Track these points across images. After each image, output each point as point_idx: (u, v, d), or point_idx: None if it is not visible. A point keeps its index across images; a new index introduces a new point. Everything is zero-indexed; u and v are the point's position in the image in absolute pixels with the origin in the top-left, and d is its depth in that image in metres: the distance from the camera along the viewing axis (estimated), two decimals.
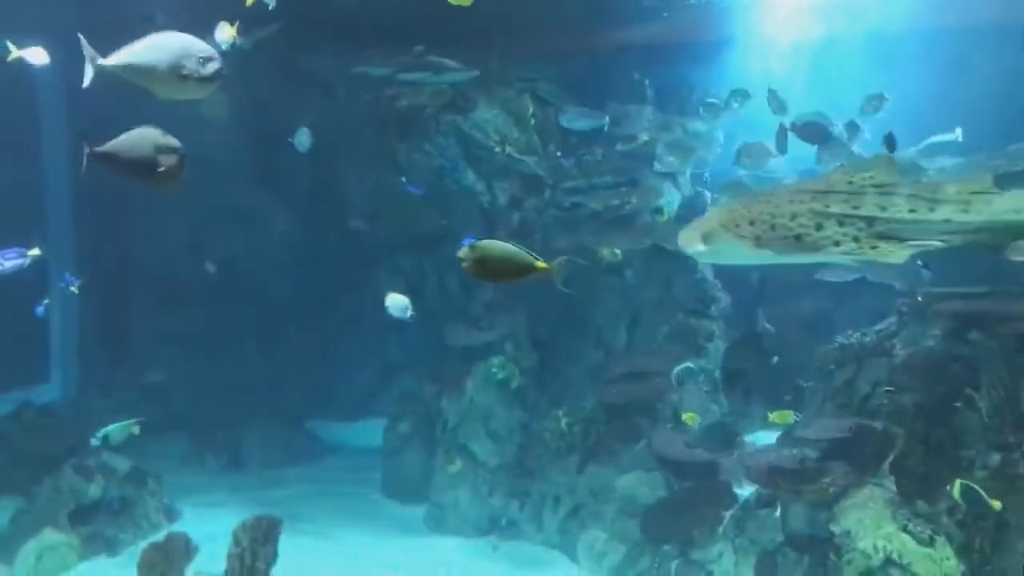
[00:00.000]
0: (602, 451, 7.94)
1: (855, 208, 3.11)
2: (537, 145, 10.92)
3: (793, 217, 3.43)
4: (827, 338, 8.79)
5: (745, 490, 7.32)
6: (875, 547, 5.37)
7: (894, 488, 5.93)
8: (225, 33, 6.44)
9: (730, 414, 8.89)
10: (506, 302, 9.95)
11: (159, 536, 7.89)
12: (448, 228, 11.00)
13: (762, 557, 6.22)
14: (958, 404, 6.25)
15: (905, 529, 5.36)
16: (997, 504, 5.13)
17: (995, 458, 5.61)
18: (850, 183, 3.39)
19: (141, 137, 3.70)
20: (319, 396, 12.09)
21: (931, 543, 5.28)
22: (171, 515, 8.28)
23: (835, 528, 5.64)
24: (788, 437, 7.61)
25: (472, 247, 3.84)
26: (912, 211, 3.29)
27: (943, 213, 3.23)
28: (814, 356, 8.43)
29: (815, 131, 9.20)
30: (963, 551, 5.22)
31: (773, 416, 6.62)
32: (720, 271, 9.92)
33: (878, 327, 7.85)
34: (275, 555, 5.38)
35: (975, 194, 3.23)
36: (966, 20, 9.48)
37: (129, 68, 3.84)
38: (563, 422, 8.27)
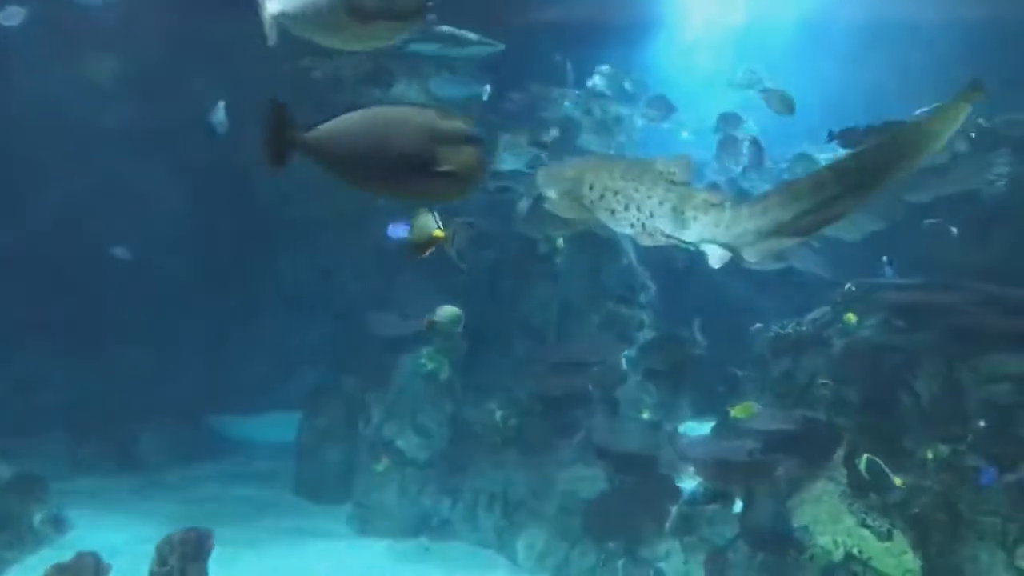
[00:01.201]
0: (539, 445, 7.65)
1: (649, 198, 3.41)
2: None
3: (615, 193, 3.54)
4: (754, 327, 8.86)
5: (686, 483, 7.21)
6: (835, 542, 5.33)
7: (844, 481, 5.92)
8: None
9: (659, 405, 8.80)
10: (427, 288, 9.48)
11: (48, 551, 7.05)
12: (367, 210, 10.40)
13: (713, 554, 6.10)
14: (899, 395, 6.32)
15: (863, 524, 5.34)
16: (899, 480, 5.23)
17: (942, 449, 5.67)
18: (660, 173, 3.38)
19: (402, 120, 2.35)
20: (213, 388, 11.22)
21: (889, 537, 5.28)
22: (60, 526, 7.38)
23: (792, 523, 5.56)
24: (725, 428, 7.55)
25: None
26: (674, 210, 3.33)
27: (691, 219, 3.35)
28: (746, 345, 8.45)
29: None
30: (919, 544, 5.24)
31: (735, 410, 6.50)
32: (644, 257, 9.82)
33: (812, 316, 7.90)
34: (206, 573, 4.77)
35: (712, 206, 3.29)
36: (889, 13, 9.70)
37: (302, 15, 2.88)
38: (498, 415, 7.92)
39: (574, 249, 9.41)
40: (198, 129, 10.30)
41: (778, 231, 3.23)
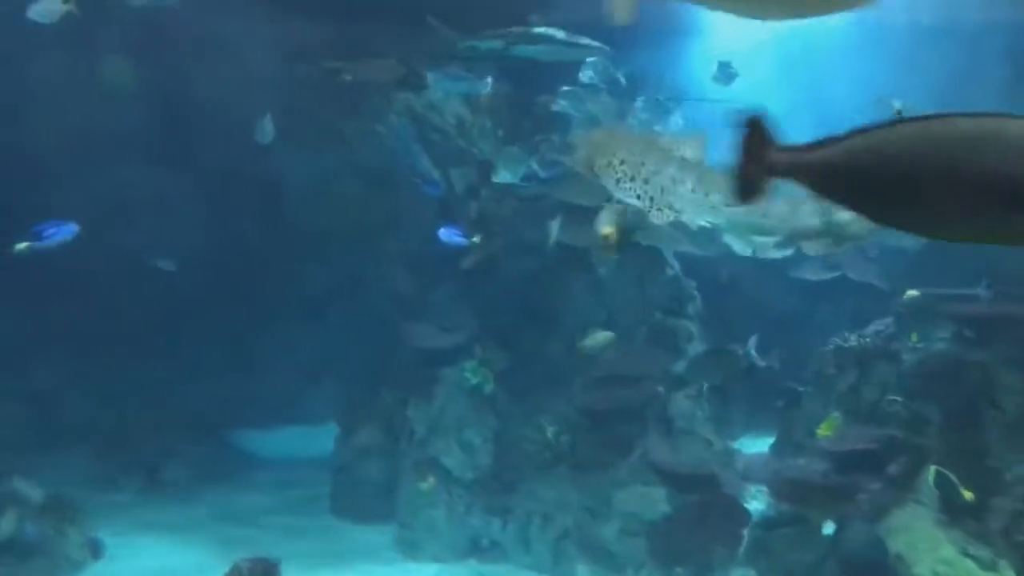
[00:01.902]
0: (593, 463, 7.34)
1: (657, 173, 3.29)
2: (490, 129, 10.18)
3: (621, 163, 3.46)
4: (806, 339, 8.57)
5: (752, 504, 6.92)
6: (934, 572, 5.02)
7: (932, 504, 5.62)
8: None
9: (711, 420, 8.50)
10: (462, 299, 9.18)
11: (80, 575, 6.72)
12: (398, 218, 10.11)
13: None
14: (983, 411, 6.04)
15: (965, 552, 5.04)
16: (969, 494, 4.99)
17: None
18: (668, 150, 3.45)
19: (996, 134, 1.59)
20: (237, 402, 10.88)
21: (994, 567, 4.98)
22: (96, 550, 7.02)
23: (886, 550, 5.26)
24: (787, 445, 7.25)
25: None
26: (694, 191, 3.21)
27: (716, 200, 3.32)
28: (801, 358, 8.15)
29: None
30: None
31: (823, 427, 6.20)
32: (687, 269, 9.53)
33: (874, 328, 7.61)
34: None
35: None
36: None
37: None
38: (549, 431, 7.60)
39: (617, 259, 9.12)
40: (224, 136, 9.99)
41: (807, 231, 3.10)
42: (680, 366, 8.48)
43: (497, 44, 8.69)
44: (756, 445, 8.42)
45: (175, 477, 9.28)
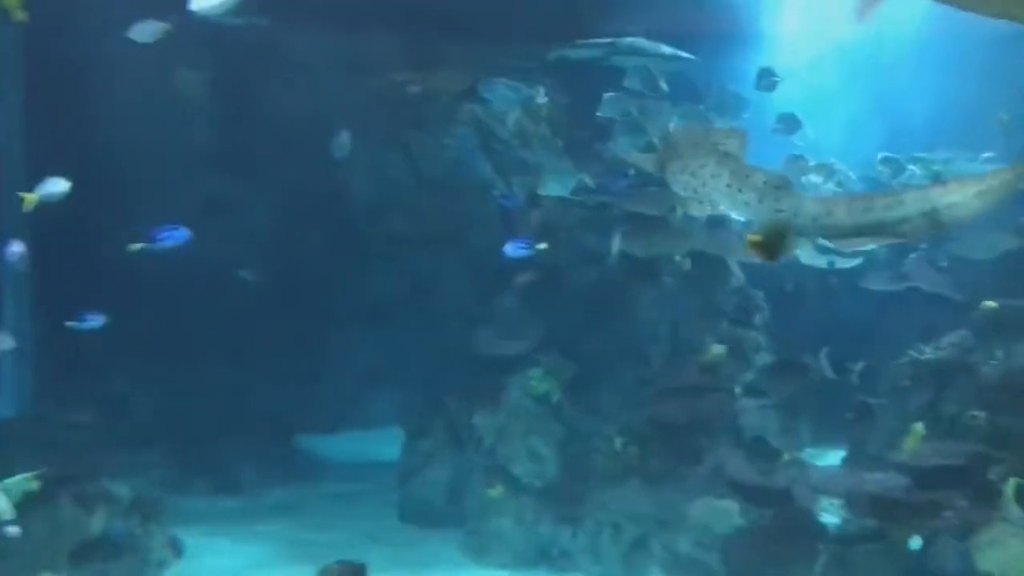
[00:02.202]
0: (664, 474, 7.32)
1: (703, 166, 3.53)
2: (551, 139, 10.25)
3: (678, 156, 3.66)
4: (876, 351, 8.43)
5: (827, 518, 6.84)
6: None
7: (1019, 520, 5.50)
8: None
9: (780, 432, 8.41)
10: (527, 307, 9.23)
11: (166, 574, 6.90)
12: (463, 226, 10.21)
13: None
14: None
15: None
16: None
17: None
18: (712, 143, 3.51)
19: None
20: (302, 407, 11.07)
21: None
22: (177, 549, 7.21)
23: (978, 569, 5.16)
24: (860, 459, 7.15)
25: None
26: (728, 186, 3.41)
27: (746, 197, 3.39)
28: (877, 372, 8.03)
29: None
30: None
31: (910, 440, 6.12)
32: (753, 279, 9.45)
33: (949, 340, 7.48)
34: None
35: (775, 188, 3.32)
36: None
37: None
38: (618, 442, 7.60)
39: (682, 268, 9.10)
40: (295, 147, 10.21)
41: (839, 232, 3.12)
42: (748, 377, 8.43)
43: (594, 53, 8.77)
44: (823, 458, 8.32)
45: (245, 479, 9.48)
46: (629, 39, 8.63)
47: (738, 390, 8.20)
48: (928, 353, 7.35)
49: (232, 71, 10.16)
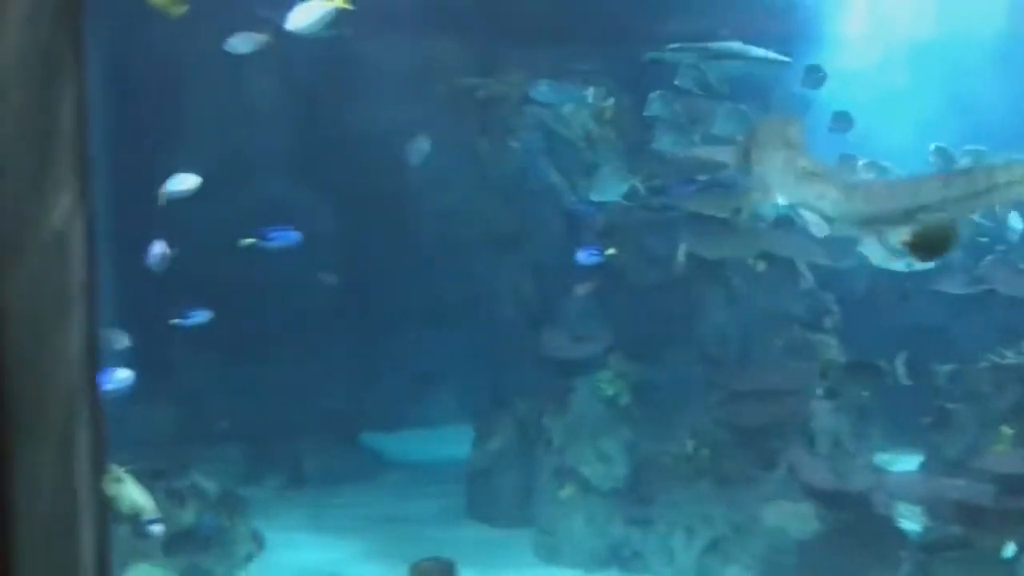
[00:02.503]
0: (738, 477, 7.30)
1: (767, 155, 3.60)
2: (616, 140, 10.27)
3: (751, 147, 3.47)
4: (949, 355, 8.27)
5: (904, 525, 6.75)
6: None
7: None
8: None
9: (852, 436, 8.31)
10: (594, 310, 9.26)
11: (254, 567, 7.11)
12: (528, 229, 10.29)
13: None
14: None
15: None
16: None
17: None
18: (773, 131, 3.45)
19: None
20: (366, 405, 11.28)
21: None
22: (260, 543, 7.43)
23: None
24: (938, 464, 7.03)
25: None
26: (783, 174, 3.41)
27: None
28: (954, 376, 7.89)
29: None
30: None
31: (1000, 444, 6.03)
32: (824, 282, 9.35)
33: None
34: None
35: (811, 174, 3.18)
36: None
37: None
38: (690, 445, 7.60)
39: (751, 270, 9.04)
40: (360, 150, 10.40)
41: (881, 219, 3.10)
42: (820, 381, 8.34)
43: (689, 56, 8.79)
44: (897, 463, 8.19)
45: (313, 475, 9.70)
46: (727, 43, 8.61)
47: (811, 394, 8.13)
48: (1010, 358, 7.20)
49: (303, 78, 10.40)
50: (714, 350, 8.87)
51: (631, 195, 9.50)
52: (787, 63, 8.61)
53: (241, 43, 6.27)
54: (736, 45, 8.49)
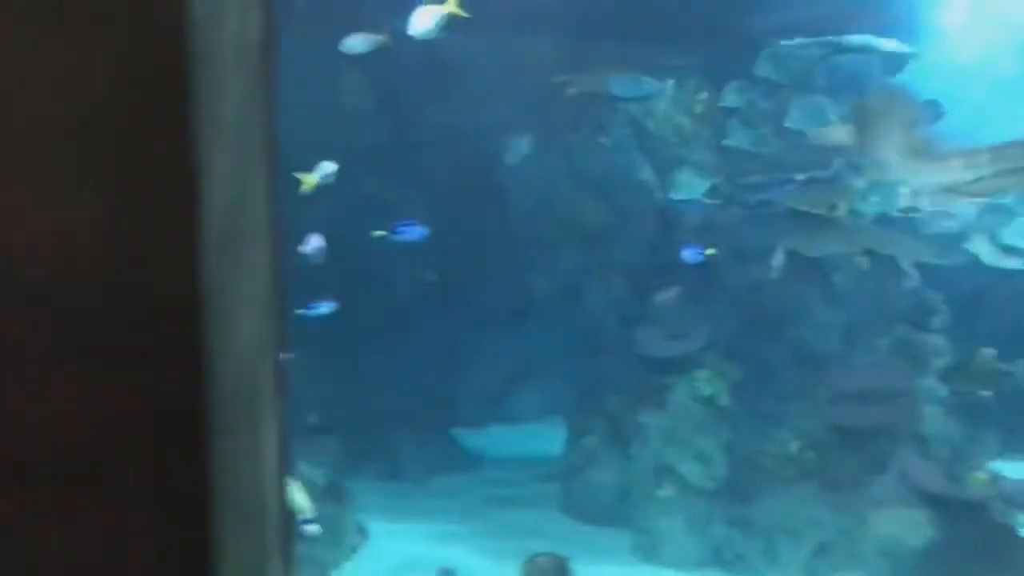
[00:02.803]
0: (846, 481, 7.13)
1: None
2: (707, 135, 10.13)
3: None
4: None
5: None
6: None
7: None
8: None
9: (964, 440, 8.03)
10: (689, 307, 9.17)
11: (360, 557, 7.31)
12: (618, 224, 10.26)
13: None
14: None
15: None
16: None
17: None
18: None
19: None
20: (456, 399, 11.44)
21: None
22: (364, 533, 7.63)
23: None
24: None
25: None
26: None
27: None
28: None
29: None
30: None
31: None
32: (932, 280, 9.03)
33: None
34: None
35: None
36: None
37: None
38: (794, 446, 7.47)
39: (855, 268, 8.81)
40: (455, 148, 10.51)
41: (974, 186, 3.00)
42: (930, 382, 8.08)
43: (812, 52, 8.64)
44: (1011, 468, 7.88)
45: (411, 468, 9.89)
46: (856, 36, 8.40)
47: (920, 396, 7.89)
48: None
49: (400, 76, 10.58)
50: (815, 349, 8.68)
51: (714, 193, 9.39)
52: (914, 56, 8.33)
53: (358, 43, 6.41)
54: (867, 38, 8.25)
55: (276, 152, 2.14)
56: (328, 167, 6.40)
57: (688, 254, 7.93)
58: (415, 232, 7.07)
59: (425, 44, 10.10)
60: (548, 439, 10.07)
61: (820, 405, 7.84)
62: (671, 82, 9.83)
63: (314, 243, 6.50)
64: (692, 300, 9.11)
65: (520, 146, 8.33)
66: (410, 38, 9.85)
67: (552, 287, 11.06)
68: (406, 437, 10.49)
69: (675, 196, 9.46)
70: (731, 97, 9.72)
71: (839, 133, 7.43)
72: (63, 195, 1.72)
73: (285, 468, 2.21)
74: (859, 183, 9.25)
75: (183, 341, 1.76)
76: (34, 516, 1.65)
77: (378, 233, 7.11)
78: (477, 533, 8.18)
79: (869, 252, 8.81)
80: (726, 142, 9.69)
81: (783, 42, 8.80)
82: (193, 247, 1.71)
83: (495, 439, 11.48)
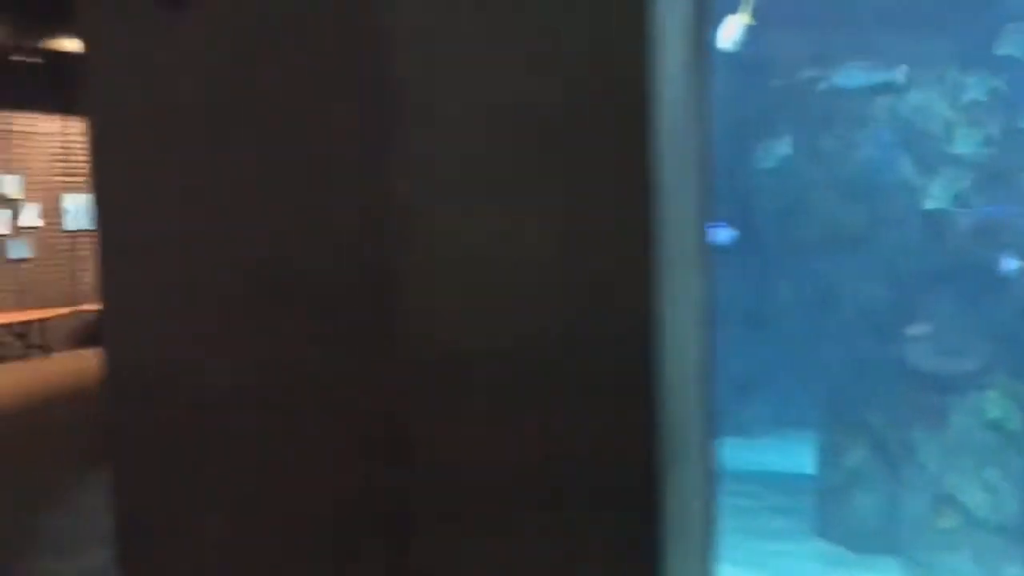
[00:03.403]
0: None
1: None
2: (973, 134, 9.17)
3: None
4: None
5: None
6: None
7: None
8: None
9: None
10: (968, 320, 8.32)
11: None
12: (875, 228, 9.56)
13: None
14: None
15: None
16: None
17: None
18: None
19: None
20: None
21: None
22: None
23: None
24: None
25: None
26: None
27: None
28: None
29: None
30: None
31: None
32: None
33: None
34: None
35: None
36: None
37: None
38: None
39: None
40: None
41: None
42: None
43: None
44: None
45: None
46: None
47: None
48: None
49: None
50: None
51: (960, 200, 8.60)
52: None
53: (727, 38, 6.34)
54: None
55: (709, 170, 2.06)
56: None
57: (1006, 263, 7.25)
58: (723, 234, 6.90)
59: None
60: (777, 453, 9.59)
61: None
62: (904, 67, 9.12)
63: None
64: (971, 313, 8.29)
65: (779, 149, 7.97)
66: None
67: (802, 294, 10.51)
68: None
69: (928, 207, 8.75)
70: (973, 89, 8.90)
71: None
72: (520, 208, 1.73)
73: (712, 492, 2.14)
74: None
75: (636, 366, 1.71)
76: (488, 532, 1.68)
77: None
78: (738, 553, 7.92)
79: None
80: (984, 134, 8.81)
81: None
82: (646, 269, 1.66)
83: (721, 452, 11.11)
